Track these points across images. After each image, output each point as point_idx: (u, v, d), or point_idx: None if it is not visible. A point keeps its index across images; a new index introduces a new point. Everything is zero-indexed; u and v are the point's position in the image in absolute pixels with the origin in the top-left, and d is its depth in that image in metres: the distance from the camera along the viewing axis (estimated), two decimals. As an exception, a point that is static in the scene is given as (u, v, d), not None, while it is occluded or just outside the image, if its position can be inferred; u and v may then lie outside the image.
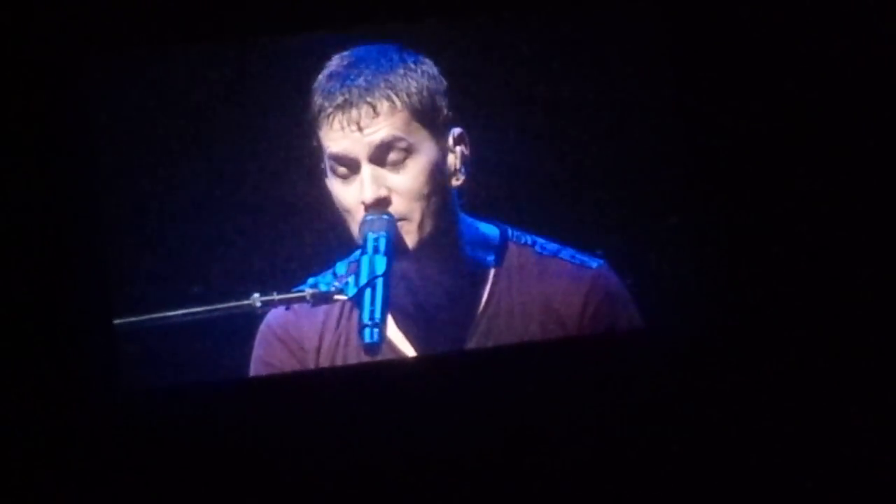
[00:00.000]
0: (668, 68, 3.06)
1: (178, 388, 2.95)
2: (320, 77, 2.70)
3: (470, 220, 2.79)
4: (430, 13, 3.02)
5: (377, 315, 2.58)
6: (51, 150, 3.03)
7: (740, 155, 3.10)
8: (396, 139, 2.67)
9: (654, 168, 3.03)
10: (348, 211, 2.71)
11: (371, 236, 2.65)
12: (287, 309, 2.74)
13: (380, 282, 2.60)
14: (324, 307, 2.76)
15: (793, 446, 3.02)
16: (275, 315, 2.79)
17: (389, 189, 2.68)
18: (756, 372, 3.06)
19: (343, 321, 2.80)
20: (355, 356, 2.79)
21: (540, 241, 2.82)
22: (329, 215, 2.77)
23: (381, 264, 2.62)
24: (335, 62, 2.71)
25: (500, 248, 2.80)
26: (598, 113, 3.02)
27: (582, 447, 3.04)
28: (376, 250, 2.64)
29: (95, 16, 3.04)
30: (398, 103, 2.67)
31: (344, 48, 2.75)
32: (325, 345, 2.81)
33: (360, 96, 2.66)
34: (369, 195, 2.66)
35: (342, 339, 2.81)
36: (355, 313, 2.72)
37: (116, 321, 2.78)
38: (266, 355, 2.83)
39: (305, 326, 2.81)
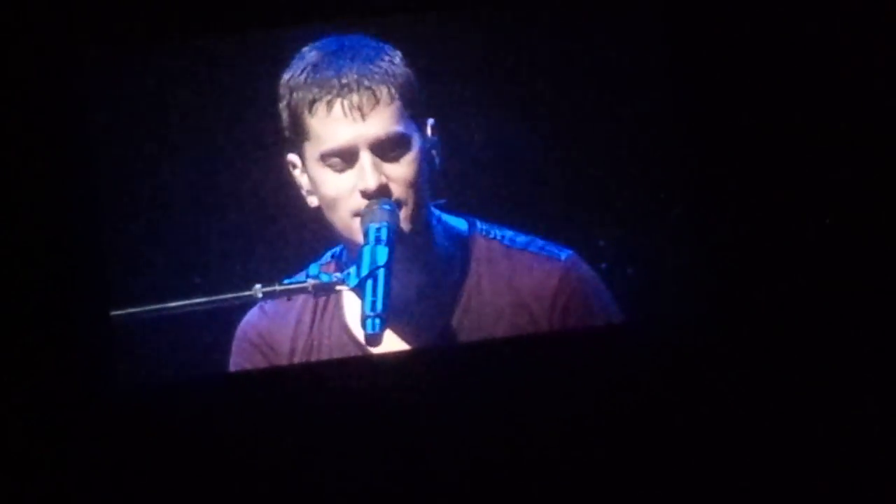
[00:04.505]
0: (664, 58, 3.08)
1: (175, 380, 2.92)
2: (299, 69, 2.66)
3: (438, 213, 2.78)
4: (396, 7, 3.02)
5: (379, 306, 2.55)
6: (49, 143, 3.00)
7: (739, 148, 3.12)
8: (396, 128, 2.67)
9: (652, 161, 3.05)
10: (337, 201, 2.67)
11: (373, 227, 2.62)
12: (262, 312, 2.75)
13: (381, 272, 2.58)
14: (295, 312, 2.76)
15: (783, 442, 3.02)
16: (248, 321, 2.79)
17: (387, 177, 2.67)
18: (754, 366, 3.07)
19: (315, 325, 2.79)
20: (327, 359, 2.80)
21: (508, 233, 2.81)
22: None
23: (382, 255, 2.59)
24: (313, 54, 2.68)
25: (468, 242, 2.79)
26: (594, 106, 3.04)
27: (563, 443, 3.04)
28: (378, 240, 2.61)
29: (92, 12, 3.02)
30: (394, 91, 2.67)
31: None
32: (298, 349, 2.80)
33: (359, 82, 2.64)
34: (372, 182, 2.64)
35: (315, 343, 2.80)
36: (327, 317, 2.75)
37: (114, 312, 2.73)
38: (242, 361, 2.82)
39: (277, 331, 2.79)
